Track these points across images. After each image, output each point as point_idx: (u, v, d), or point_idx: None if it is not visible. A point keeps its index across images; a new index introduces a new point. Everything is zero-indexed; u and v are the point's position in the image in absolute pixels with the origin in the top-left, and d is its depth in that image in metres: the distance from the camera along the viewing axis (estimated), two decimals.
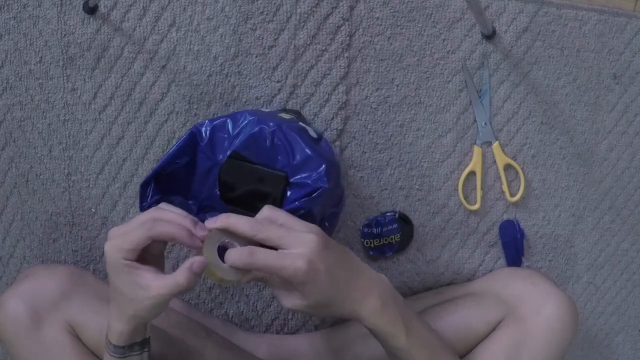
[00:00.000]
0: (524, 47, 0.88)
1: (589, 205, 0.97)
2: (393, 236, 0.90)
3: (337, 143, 0.87)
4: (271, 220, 0.61)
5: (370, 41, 0.84)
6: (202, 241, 0.59)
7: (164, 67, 0.82)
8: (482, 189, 0.92)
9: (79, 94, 0.82)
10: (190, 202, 0.72)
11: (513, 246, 0.94)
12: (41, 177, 0.84)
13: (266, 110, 0.83)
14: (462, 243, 0.94)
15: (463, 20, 0.86)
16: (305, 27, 0.82)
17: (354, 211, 0.90)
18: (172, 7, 0.80)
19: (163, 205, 0.62)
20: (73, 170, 0.85)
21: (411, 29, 0.85)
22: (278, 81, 0.84)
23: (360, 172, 0.89)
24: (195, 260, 0.57)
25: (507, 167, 0.92)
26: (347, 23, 0.83)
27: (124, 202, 0.86)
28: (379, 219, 0.90)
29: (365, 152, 0.88)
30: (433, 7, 0.85)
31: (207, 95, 0.83)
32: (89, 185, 0.85)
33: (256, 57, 0.83)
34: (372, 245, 0.91)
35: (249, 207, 0.67)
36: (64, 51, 0.80)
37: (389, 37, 0.85)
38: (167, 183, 0.70)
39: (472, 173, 0.91)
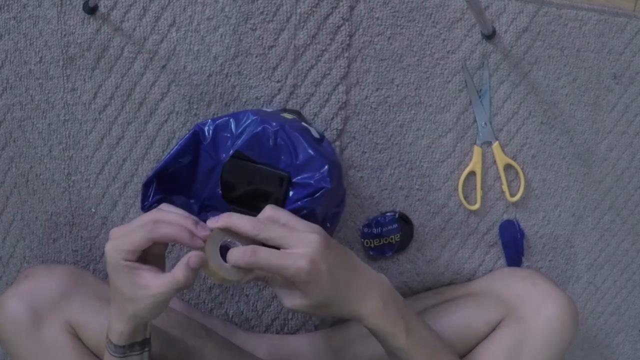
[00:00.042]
0: (524, 47, 0.88)
1: (589, 205, 0.97)
2: (393, 236, 0.90)
3: (337, 143, 0.87)
4: (273, 220, 0.61)
5: (370, 41, 0.84)
6: (204, 241, 0.59)
7: (164, 67, 0.82)
8: (482, 189, 0.92)
9: (79, 94, 0.82)
10: (192, 201, 0.72)
11: (513, 246, 0.94)
12: (41, 177, 0.84)
13: (268, 110, 0.83)
14: (462, 243, 0.94)
15: (463, 20, 0.86)
16: (305, 27, 0.82)
17: (354, 211, 0.90)
18: (172, 7, 0.80)
19: (164, 206, 0.62)
20: (73, 170, 0.85)
21: (411, 29, 0.85)
22: (278, 81, 0.84)
23: (360, 172, 0.89)
24: (191, 256, 0.57)
25: (507, 167, 0.92)
26: (347, 23, 0.83)
27: (124, 202, 0.86)
28: (379, 219, 0.90)
29: (365, 152, 0.88)
30: (433, 7, 0.85)
31: (207, 95, 0.83)
32: (89, 185, 0.85)
33: (256, 57, 0.83)
34: (372, 245, 0.91)
35: (251, 207, 0.67)
36: (64, 51, 0.80)
37: (389, 37, 0.85)
38: (169, 182, 0.70)
39: (472, 173, 0.91)
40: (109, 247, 0.58)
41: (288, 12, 0.82)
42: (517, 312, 0.80)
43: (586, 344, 1.05)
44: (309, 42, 0.83)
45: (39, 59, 0.80)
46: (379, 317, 0.63)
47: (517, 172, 0.92)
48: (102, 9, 0.79)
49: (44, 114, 0.82)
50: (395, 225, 0.90)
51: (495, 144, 0.90)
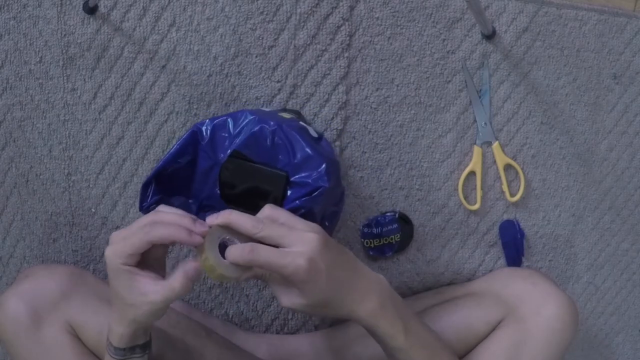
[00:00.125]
0: (524, 47, 0.88)
1: (589, 205, 0.97)
2: (393, 236, 0.90)
3: (337, 143, 0.87)
4: (272, 218, 0.61)
5: (370, 41, 0.84)
6: (203, 237, 0.59)
7: (164, 67, 0.82)
8: (482, 189, 0.92)
9: (79, 94, 0.82)
10: (190, 201, 0.72)
11: (513, 246, 0.94)
12: (41, 177, 0.84)
13: (266, 109, 0.83)
14: (462, 243, 0.94)
15: (463, 20, 0.86)
16: (305, 27, 0.82)
17: (354, 211, 0.90)
18: (172, 7, 0.80)
19: (161, 207, 0.62)
20: (73, 170, 0.85)
21: (411, 29, 0.85)
22: (278, 81, 0.84)
23: (360, 172, 0.89)
24: (189, 266, 0.58)
25: (507, 167, 0.92)
26: (347, 23, 0.83)
27: (124, 202, 0.86)
28: (379, 219, 0.90)
29: (365, 152, 0.88)
30: (433, 7, 0.85)
31: (207, 95, 0.83)
32: (89, 185, 0.85)
33: (256, 57, 0.83)
34: (372, 245, 0.91)
35: (250, 207, 0.67)
36: (64, 51, 0.80)
37: (389, 37, 0.85)
38: (168, 183, 0.70)
39: (472, 173, 0.91)
40: (108, 251, 0.59)
41: (288, 12, 0.82)
42: (517, 312, 0.79)
43: (586, 344, 1.05)
44: (309, 42, 0.83)
45: (39, 59, 0.80)
46: (377, 318, 0.63)
47: (517, 172, 0.92)
48: (102, 9, 0.79)
49: (44, 114, 0.82)
50: (395, 225, 0.90)
51: (495, 144, 0.90)
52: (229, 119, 0.71)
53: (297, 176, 0.69)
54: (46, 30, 0.79)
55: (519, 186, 0.92)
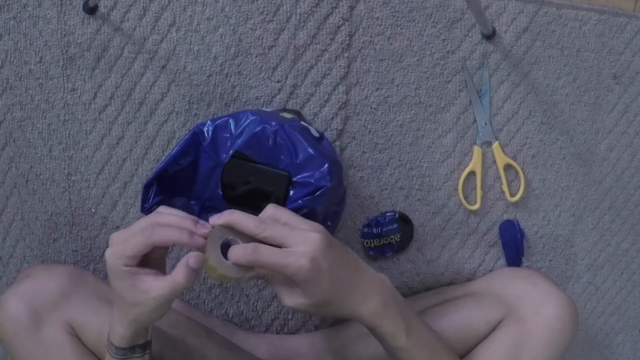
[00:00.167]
0: (524, 47, 0.88)
1: (589, 205, 0.97)
2: (393, 236, 0.90)
3: (337, 143, 0.87)
4: (275, 218, 0.61)
5: (370, 41, 0.84)
6: (205, 238, 0.59)
7: (164, 67, 0.82)
8: (482, 189, 0.92)
9: (79, 94, 0.82)
10: (192, 202, 0.72)
11: (513, 246, 0.94)
12: (41, 177, 0.84)
13: (267, 109, 0.83)
14: (462, 243, 0.94)
15: (463, 20, 0.86)
16: (305, 27, 0.82)
17: (354, 211, 0.90)
18: (172, 7, 0.80)
19: (162, 208, 0.61)
20: (73, 170, 0.85)
21: (411, 29, 0.85)
22: (278, 81, 0.84)
23: (360, 172, 0.89)
24: (191, 256, 0.57)
25: (507, 167, 0.92)
26: (347, 23, 0.83)
27: (124, 202, 0.86)
28: (379, 219, 0.90)
29: (365, 152, 0.88)
30: (433, 7, 0.85)
31: (207, 95, 0.83)
32: (89, 185, 0.85)
33: (256, 57, 0.83)
34: (372, 245, 0.91)
35: (252, 207, 0.67)
36: (64, 51, 0.80)
37: (389, 37, 0.85)
38: (170, 184, 0.70)
39: (472, 173, 0.91)
40: (109, 253, 0.58)
41: (288, 12, 0.82)
42: (517, 312, 0.79)
43: (586, 344, 1.05)
44: (309, 42, 0.83)
45: (39, 59, 0.80)
46: (380, 317, 0.63)
47: (517, 172, 0.92)
48: (102, 9, 0.79)
49: (44, 114, 0.82)
50: (395, 225, 0.90)
51: (495, 144, 0.90)
52: (230, 120, 0.71)
53: (299, 176, 0.69)
54: (46, 30, 0.79)
55: (519, 186, 0.92)
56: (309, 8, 0.82)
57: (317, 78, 0.84)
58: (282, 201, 0.69)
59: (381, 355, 0.70)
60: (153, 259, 0.60)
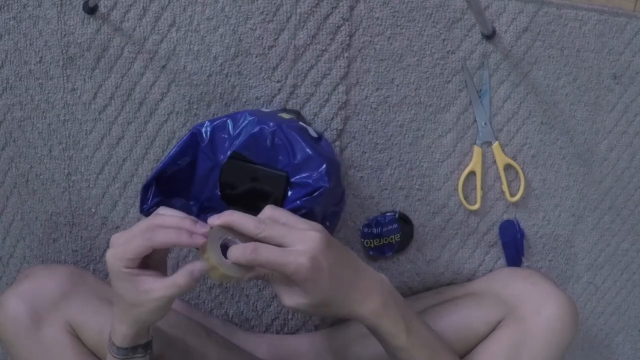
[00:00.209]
0: (524, 47, 0.88)
1: (589, 205, 0.97)
2: (393, 236, 0.90)
3: (337, 143, 0.87)
4: (274, 219, 0.61)
5: (370, 41, 0.84)
6: (205, 237, 0.59)
7: (164, 67, 0.82)
8: (482, 189, 0.92)
9: (79, 94, 0.82)
10: (191, 203, 0.72)
11: (513, 246, 0.94)
12: (41, 177, 0.84)
13: (266, 110, 0.83)
14: (462, 243, 0.94)
15: (463, 20, 0.86)
16: (305, 27, 0.82)
17: (354, 211, 0.90)
18: (172, 7, 0.80)
19: (161, 209, 0.61)
20: (73, 170, 0.85)
21: (411, 29, 0.85)
22: (278, 81, 0.84)
23: (360, 172, 0.89)
24: (196, 266, 0.58)
25: (507, 167, 0.92)
26: (347, 23, 0.83)
27: (124, 202, 0.86)
28: (379, 219, 0.90)
29: (365, 152, 0.88)
30: (433, 7, 0.85)
31: (207, 95, 0.83)
32: (89, 185, 0.85)
33: (256, 57, 0.83)
34: (372, 245, 0.91)
35: (251, 208, 0.67)
36: (64, 51, 0.80)
37: (389, 37, 0.85)
38: (168, 185, 0.70)
39: (472, 173, 0.91)
40: (109, 255, 0.58)
41: (288, 12, 0.82)
42: (517, 312, 0.79)
43: (586, 344, 1.05)
44: (309, 42, 0.83)
45: (39, 59, 0.80)
46: (380, 317, 0.63)
47: (517, 172, 0.92)
48: (102, 9, 0.79)
49: (44, 114, 0.82)
50: (395, 225, 0.90)
51: (495, 144, 0.90)
52: (228, 120, 0.71)
53: (297, 177, 0.69)
54: (46, 30, 0.79)
55: (519, 186, 0.92)
56: (309, 8, 0.82)
57: (317, 78, 0.84)
58: (280, 202, 0.69)
59: (381, 356, 0.70)
60: (154, 260, 0.60)
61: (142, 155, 0.85)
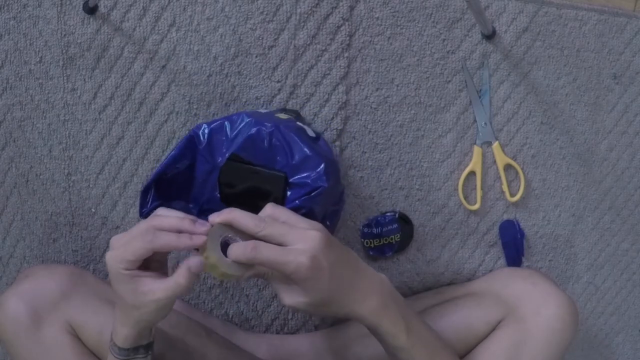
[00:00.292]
0: (524, 47, 0.88)
1: (589, 205, 0.97)
2: (393, 236, 0.90)
3: (337, 143, 0.87)
4: (274, 217, 0.61)
5: (370, 41, 0.84)
6: (205, 235, 0.59)
7: (164, 67, 0.82)
8: (482, 189, 0.92)
9: (79, 94, 0.82)
10: (190, 205, 0.72)
11: (513, 246, 0.94)
12: (41, 177, 0.84)
13: (264, 111, 0.82)
14: (462, 243, 0.94)
15: (463, 20, 0.86)
16: (305, 27, 0.82)
17: (354, 211, 0.90)
18: (172, 7, 0.80)
19: (160, 210, 0.61)
20: (73, 170, 0.85)
21: (411, 29, 0.85)
22: (278, 81, 0.84)
23: (360, 172, 0.89)
24: (192, 261, 0.57)
25: (507, 167, 0.92)
26: (347, 23, 0.83)
27: (124, 202, 0.86)
28: (379, 219, 0.90)
29: (365, 152, 0.88)
30: (433, 7, 0.85)
31: (207, 95, 0.83)
32: (89, 185, 0.85)
33: (256, 57, 0.83)
34: (372, 245, 0.91)
35: (250, 209, 0.67)
36: (64, 51, 0.80)
37: (389, 37, 0.85)
38: (167, 188, 0.70)
39: (472, 173, 0.91)
40: (109, 257, 0.58)
41: (288, 12, 0.82)
42: (517, 312, 0.79)
43: (586, 344, 1.05)
44: (309, 42, 0.83)
45: (39, 59, 0.80)
46: (379, 317, 0.63)
47: (517, 172, 0.92)
48: (102, 9, 0.79)
49: (44, 114, 0.82)
50: (395, 225, 0.90)
51: (495, 144, 0.90)
52: (225, 122, 0.71)
53: (296, 177, 0.69)
54: (46, 30, 0.79)
55: (519, 186, 0.92)
56: (309, 8, 0.82)
57: (317, 78, 0.84)
58: (280, 202, 0.69)
59: (381, 356, 0.70)
60: (154, 261, 0.60)
61: (142, 155, 0.85)
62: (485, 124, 0.90)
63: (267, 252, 0.58)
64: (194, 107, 0.84)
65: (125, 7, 0.80)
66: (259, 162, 0.70)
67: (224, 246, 0.60)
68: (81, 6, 0.79)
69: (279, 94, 0.84)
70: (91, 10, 0.79)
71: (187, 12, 0.80)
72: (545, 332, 0.77)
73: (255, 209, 0.63)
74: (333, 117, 0.86)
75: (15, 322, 0.72)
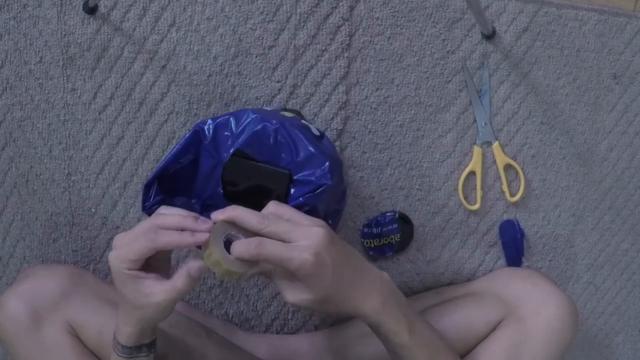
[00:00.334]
0: (524, 47, 0.88)
1: (589, 205, 0.97)
2: (393, 236, 0.90)
3: (337, 143, 0.87)
4: (277, 214, 0.61)
5: (370, 41, 0.84)
6: (208, 232, 0.59)
7: (164, 67, 0.82)
8: (482, 189, 0.92)
9: (79, 94, 0.82)
10: (193, 201, 0.72)
11: (513, 246, 0.94)
12: (41, 177, 0.84)
13: (268, 108, 0.83)
14: (462, 243, 0.94)
15: (463, 20, 0.86)
16: (305, 27, 0.82)
17: (354, 211, 0.90)
18: (172, 7, 0.80)
19: (162, 209, 0.61)
20: (73, 170, 0.85)
21: (411, 29, 0.85)
22: (278, 81, 0.84)
23: (360, 172, 0.89)
24: (192, 266, 0.58)
25: (507, 167, 0.92)
26: (347, 23, 0.83)
27: (124, 202, 0.86)
28: (379, 219, 0.90)
29: (365, 152, 0.88)
30: (433, 7, 0.85)
31: (207, 95, 0.83)
32: (89, 185, 0.85)
33: (256, 57, 0.83)
34: (372, 245, 0.91)
35: (253, 205, 0.67)
36: (64, 51, 0.80)
37: (389, 37, 0.85)
38: (170, 183, 0.70)
39: (472, 173, 0.91)
40: (112, 257, 0.58)
41: (288, 12, 0.82)
42: (517, 312, 0.80)
43: (586, 344, 1.05)
44: (309, 42, 0.83)
45: (39, 59, 0.80)
46: (382, 315, 0.63)
47: (517, 172, 0.92)
48: (102, 9, 0.79)
49: (44, 114, 0.82)
50: (395, 225, 0.90)
51: (495, 144, 0.90)
52: (231, 118, 0.71)
53: (300, 174, 0.69)
54: (46, 30, 0.79)
55: (519, 186, 0.92)
56: (309, 8, 0.82)
57: (317, 78, 0.84)
58: (283, 199, 0.69)
59: (382, 355, 0.70)
60: (157, 260, 0.60)
61: (142, 155, 0.85)
62: (485, 124, 0.90)
63: (271, 248, 0.58)
64: (194, 107, 0.84)
65: (125, 7, 0.80)
66: (264, 159, 0.70)
67: (227, 244, 0.60)
68: (81, 6, 0.79)
69: (279, 94, 0.84)
70: (91, 10, 0.79)
71: (187, 12, 0.80)
72: (545, 332, 0.77)
73: (258, 206, 0.63)
74: (333, 117, 0.86)
75: (15, 322, 0.72)
